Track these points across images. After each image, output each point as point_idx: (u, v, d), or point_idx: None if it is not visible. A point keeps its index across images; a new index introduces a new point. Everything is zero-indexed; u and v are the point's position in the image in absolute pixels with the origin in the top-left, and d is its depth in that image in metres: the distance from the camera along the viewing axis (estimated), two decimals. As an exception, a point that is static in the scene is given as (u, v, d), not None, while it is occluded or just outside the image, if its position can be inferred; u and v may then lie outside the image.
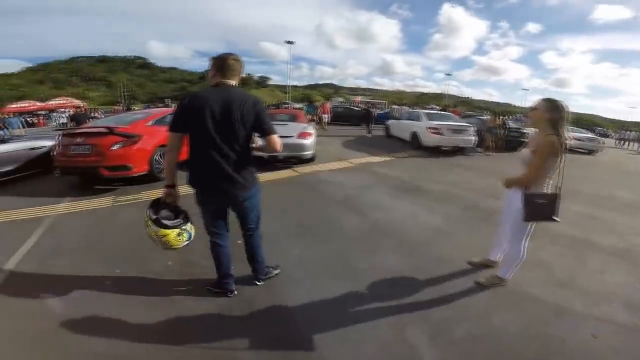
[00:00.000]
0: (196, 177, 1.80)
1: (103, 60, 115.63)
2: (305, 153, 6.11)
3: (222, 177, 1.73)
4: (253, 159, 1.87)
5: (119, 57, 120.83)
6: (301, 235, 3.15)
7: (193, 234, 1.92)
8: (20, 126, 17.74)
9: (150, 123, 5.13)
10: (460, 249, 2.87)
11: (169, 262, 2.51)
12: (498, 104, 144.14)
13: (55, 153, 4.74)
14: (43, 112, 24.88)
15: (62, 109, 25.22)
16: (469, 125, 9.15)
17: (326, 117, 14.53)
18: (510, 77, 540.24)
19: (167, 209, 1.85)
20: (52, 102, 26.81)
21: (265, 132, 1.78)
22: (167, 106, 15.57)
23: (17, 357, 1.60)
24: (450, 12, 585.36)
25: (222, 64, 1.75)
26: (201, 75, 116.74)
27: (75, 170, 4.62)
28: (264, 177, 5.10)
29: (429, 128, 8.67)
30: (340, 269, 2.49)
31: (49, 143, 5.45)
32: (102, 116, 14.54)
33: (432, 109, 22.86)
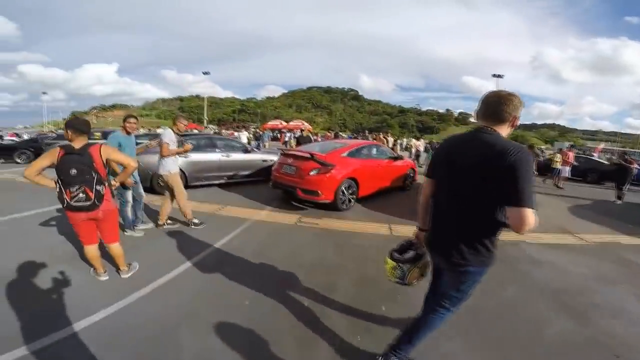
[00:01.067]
0: (429, 226, 1.66)
1: (328, 90, 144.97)
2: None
3: (442, 236, 1.53)
4: (494, 232, 1.41)
5: (339, 89, 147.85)
6: (470, 329, 2.29)
7: (408, 277, 1.78)
8: (269, 140, 23.04)
9: (345, 154, 5.63)
10: None
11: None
12: None
13: (273, 168, 5.93)
14: (285, 131, 33.96)
15: (295, 130, 33.23)
16: None
17: (567, 170, 10.51)
18: None
19: (410, 247, 1.87)
20: (291, 123, 36.40)
21: (513, 202, 1.21)
22: (366, 138, 16.87)
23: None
24: None
25: (482, 102, 1.45)
26: (400, 109, 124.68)
27: (281, 186, 5.62)
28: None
29: None
30: None
31: (275, 158, 6.96)
32: (319, 140, 17.83)
33: None
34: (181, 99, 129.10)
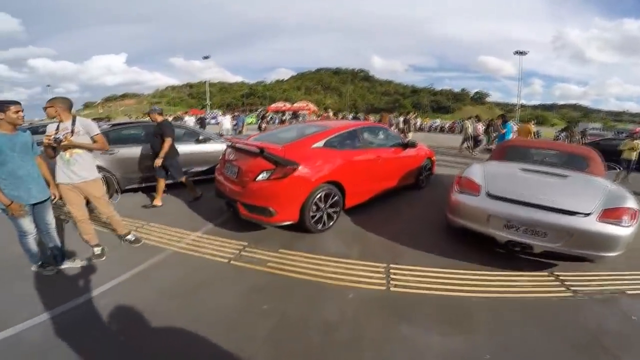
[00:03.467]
0: None
1: (337, 72, 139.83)
2: (608, 254, 2.63)
3: None
4: None
5: (349, 70, 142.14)
6: None
7: None
8: (243, 125, 20.87)
9: (319, 144, 3.59)
10: None
11: None
12: None
13: (216, 168, 3.97)
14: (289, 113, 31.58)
15: (303, 112, 30.79)
16: None
17: None
18: None
19: None
20: (296, 105, 34.06)
21: None
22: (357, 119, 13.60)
23: None
24: None
25: None
26: (413, 89, 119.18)
27: (223, 196, 3.60)
28: (476, 284, 2.53)
29: None
30: None
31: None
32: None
33: None
34: (190, 86, 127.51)
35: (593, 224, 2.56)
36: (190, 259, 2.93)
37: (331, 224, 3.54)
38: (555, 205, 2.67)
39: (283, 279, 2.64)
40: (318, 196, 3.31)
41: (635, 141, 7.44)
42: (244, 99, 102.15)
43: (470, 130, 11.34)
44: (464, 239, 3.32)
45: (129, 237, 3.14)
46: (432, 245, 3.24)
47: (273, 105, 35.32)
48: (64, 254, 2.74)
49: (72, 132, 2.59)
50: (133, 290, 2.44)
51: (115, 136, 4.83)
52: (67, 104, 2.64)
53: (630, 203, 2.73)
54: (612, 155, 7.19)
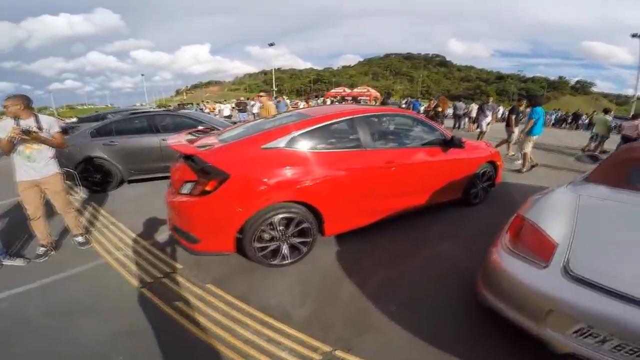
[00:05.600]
0: None
1: (409, 57, 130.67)
2: None
3: None
4: None
5: (422, 55, 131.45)
6: None
7: None
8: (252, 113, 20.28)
9: (277, 143, 2.32)
10: None
11: None
12: None
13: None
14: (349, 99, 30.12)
15: (364, 97, 29.08)
16: None
17: None
18: None
19: None
20: (355, 91, 32.11)
21: None
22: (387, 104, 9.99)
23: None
24: None
25: None
26: (498, 75, 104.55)
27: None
28: None
29: None
30: None
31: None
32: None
33: None
34: (265, 73, 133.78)
35: None
36: (109, 275, 2.43)
37: (296, 258, 2.36)
38: None
39: (176, 330, 1.83)
40: (270, 221, 2.15)
41: None
42: (311, 84, 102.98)
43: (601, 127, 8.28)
44: (502, 323, 1.67)
45: (78, 238, 2.95)
46: (441, 325, 1.84)
47: (332, 91, 33.90)
48: (6, 251, 2.68)
49: (40, 128, 2.56)
50: (22, 302, 2.14)
51: (118, 127, 4.84)
52: (27, 101, 2.55)
53: None
54: None
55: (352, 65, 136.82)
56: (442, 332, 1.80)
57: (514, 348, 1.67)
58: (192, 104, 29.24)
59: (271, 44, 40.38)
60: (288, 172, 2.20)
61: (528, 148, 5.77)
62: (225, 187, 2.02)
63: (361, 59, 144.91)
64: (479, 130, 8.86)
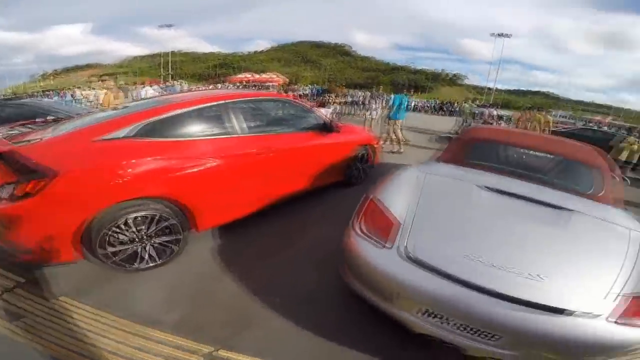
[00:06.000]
0: None
1: (319, 45, 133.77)
2: None
3: None
4: None
5: (331, 44, 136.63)
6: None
7: None
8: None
9: (120, 132, 2.09)
10: None
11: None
12: None
13: None
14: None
15: (273, 83, 28.55)
16: None
17: None
18: None
19: None
20: (263, 76, 31.34)
21: None
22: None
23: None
24: None
25: None
26: (393, 66, 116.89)
27: None
28: None
29: None
30: None
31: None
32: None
33: None
34: (160, 55, 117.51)
35: (604, 330, 1.32)
36: None
37: (164, 259, 2.20)
38: (536, 300, 1.35)
39: (20, 350, 1.55)
40: (121, 222, 1.93)
41: (631, 138, 6.40)
42: (216, 69, 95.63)
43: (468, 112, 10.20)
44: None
45: None
46: (323, 313, 1.94)
47: (238, 76, 32.28)
48: None
49: None
50: None
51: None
52: None
53: None
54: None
55: (264, 50, 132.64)
56: (324, 320, 1.86)
57: (397, 333, 1.69)
58: (57, 90, 23.92)
59: (169, 25, 36.20)
60: (138, 165, 1.99)
61: (397, 130, 6.75)
62: (52, 186, 1.70)
63: (272, 45, 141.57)
64: (370, 117, 9.78)
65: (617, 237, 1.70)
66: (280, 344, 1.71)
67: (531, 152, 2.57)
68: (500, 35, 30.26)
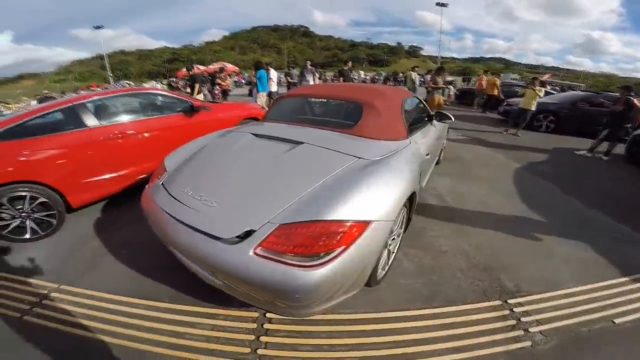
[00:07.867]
0: None
1: (276, 29, 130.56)
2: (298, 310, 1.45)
3: None
4: None
5: (288, 27, 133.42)
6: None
7: None
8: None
9: None
10: None
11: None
12: None
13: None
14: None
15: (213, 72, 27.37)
16: None
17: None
18: None
19: None
20: (211, 67, 30.04)
21: None
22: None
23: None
24: None
25: None
26: (352, 43, 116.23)
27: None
28: None
29: None
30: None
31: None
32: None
33: None
34: (101, 57, 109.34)
35: (238, 258, 1.31)
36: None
37: (44, 233, 2.59)
38: (202, 227, 1.45)
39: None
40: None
41: (537, 88, 6.73)
42: (166, 64, 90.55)
43: (416, 82, 10.35)
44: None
45: None
46: (153, 259, 2.24)
47: (184, 70, 30.61)
48: None
49: None
50: None
51: None
52: None
53: (349, 209, 1.38)
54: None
55: (217, 40, 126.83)
56: (155, 263, 2.19)
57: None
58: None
59: (98, 27, 33.63)
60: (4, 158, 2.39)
61: (260, 101, 7.06)
62: None
63: (227, 34, 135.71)
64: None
65: (326, 166, 1.67)
66: (111, 281, 2.06)
67: (328, 101, 2.72)
68: (438, 4, 31.03)
